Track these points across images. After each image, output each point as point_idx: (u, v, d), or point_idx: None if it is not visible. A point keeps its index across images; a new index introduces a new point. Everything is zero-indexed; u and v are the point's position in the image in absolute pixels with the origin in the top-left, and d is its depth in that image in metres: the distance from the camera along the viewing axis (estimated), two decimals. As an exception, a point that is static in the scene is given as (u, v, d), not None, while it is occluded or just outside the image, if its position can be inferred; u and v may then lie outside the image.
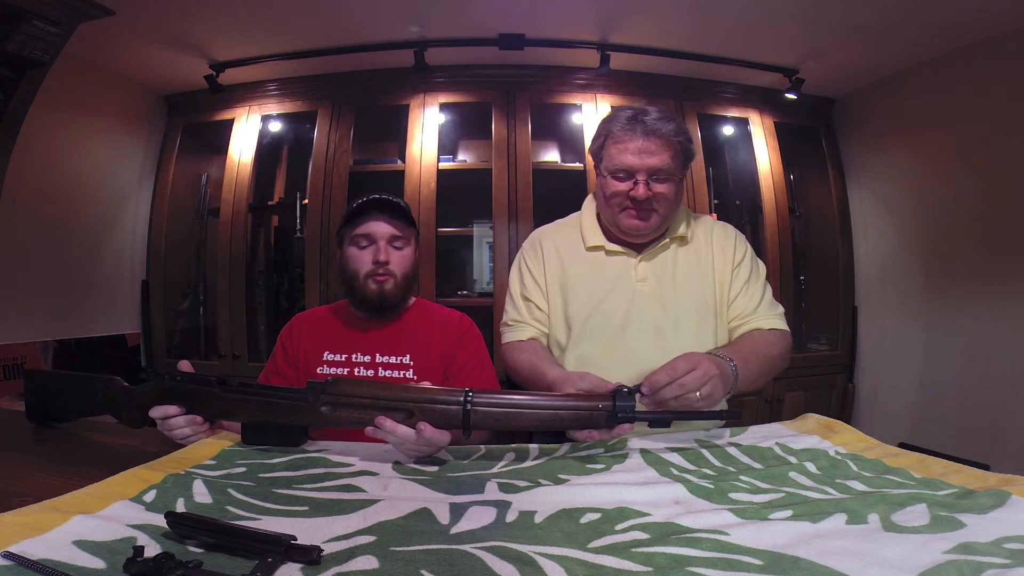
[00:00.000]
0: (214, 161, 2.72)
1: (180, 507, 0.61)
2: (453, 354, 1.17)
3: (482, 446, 0.89)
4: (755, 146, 2.59)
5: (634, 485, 0.70)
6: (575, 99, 2.50)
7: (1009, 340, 2.01)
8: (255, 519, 0.59)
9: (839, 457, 0.78)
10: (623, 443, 0.86)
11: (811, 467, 0.75)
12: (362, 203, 1.14)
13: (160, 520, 0.55)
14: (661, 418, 0.80)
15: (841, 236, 2.65)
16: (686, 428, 0.97)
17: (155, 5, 1.87)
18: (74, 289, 2.29)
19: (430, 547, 0.53)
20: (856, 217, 2.67)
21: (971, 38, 2.05)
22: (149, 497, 0.62)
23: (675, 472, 0.75)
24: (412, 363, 1.14)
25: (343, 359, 1.14)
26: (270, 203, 2.65)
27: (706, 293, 1.15)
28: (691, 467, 0.77)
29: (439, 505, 0.63)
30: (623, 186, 1.08)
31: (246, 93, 2.53)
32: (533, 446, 0.87)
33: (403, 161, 2.44)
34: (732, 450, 0.84)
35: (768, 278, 1.20)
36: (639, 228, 1.11)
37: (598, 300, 1.13)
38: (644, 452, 0.83)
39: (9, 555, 0.47)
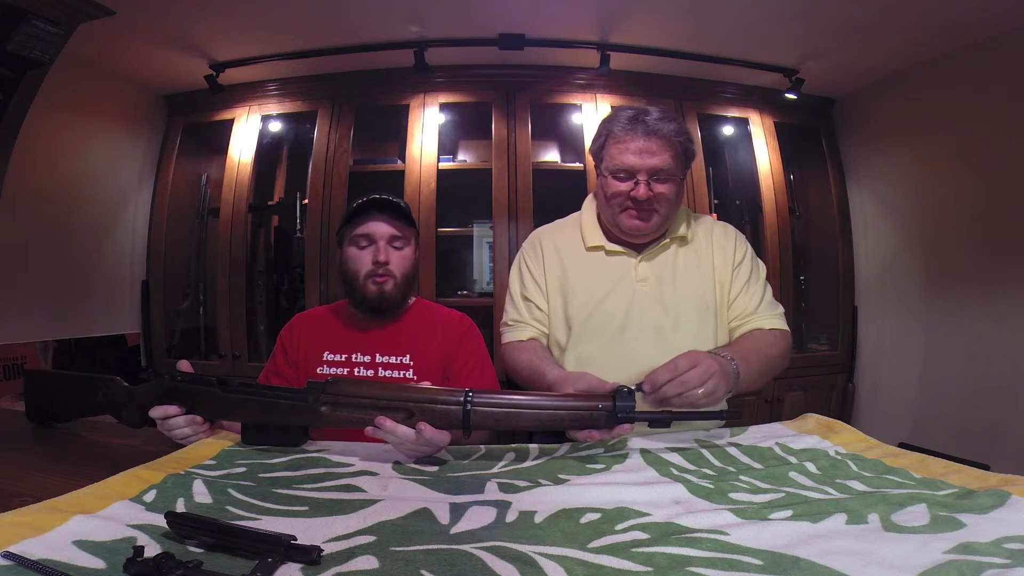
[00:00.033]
0: (214, 161, 2.72)
1: (180, 507, 0.61)
2: (453, 354, 1.17)
3: (482, 446, 0.89)
4: (755, 146, 2.59)
5: (634, 485, 0.70)
6: (575, 99, 2.50)
7: (1009, 340, 2.01)
8: (255, 519, 0.59)
9: (839, 457, 0.78)
10: (623, 443, 0.86)
11: (811, 467, 0.75)
12: (362, 203, 1.14)
13: (160, 520, 0.55)
14: (661, 418, 0.80)
15: (841, 236, 2.65)
16: (686, 428, 0.97)
17: (155, 5, 1.87)
18: (74, 289, 2.29)
19: (430, 547, 0.53)
20: (856, 217, 2.67)
21: (971, 38, 2.05)
22: (149, 497, 0.62)
23: (675, 472, 0.75)
24: (412, 363, 1.14)
25: (343, 359, 1.14)
26: (270, 203, 2.65)
27: (706, 293, 1.15)
28: (691, 467, 0.77)
29: (439, 505, 0.63)
30: (624, 186, 1.08)
31: (246, 93, 2.53)
32: (533, 446, 0.87)
33: (403, 161, 2.44)
34: (732, 450, 0.84)
35: (768, 278, 1.20)
36: (640, 228, 1.11)
37: (598, 300, 1.13)
38: (644, 452, 0.83)
39: (9, 555, 0.47)
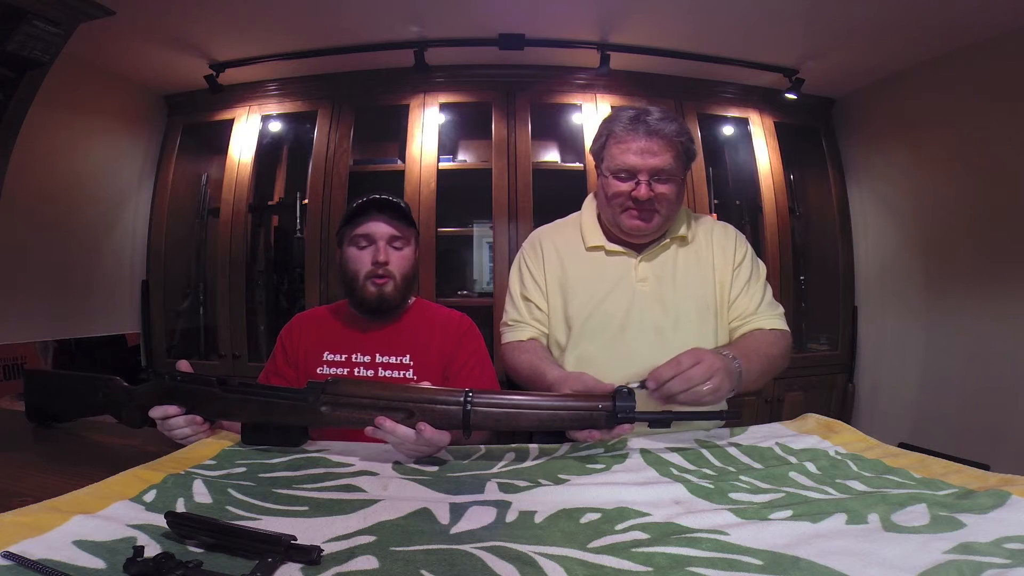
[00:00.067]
0: (214, 161, 2.72)
1: (180, 507, 0.61)
2: (453, 354, 1.17)
3: (482, 446, 0.89)
4: (755, 146, 2.59)
5: (634, 485, 0.70)
6: (575, 99, 2.50)
7: (1009, 340, 2.01)
8: (255, 519, 0.59)
9: (839, 457, 0.78)
10: (623, 443, 0.86)
11: (811, 467, 0.75)
12: (362, 203, 1.14)
13: (160, 520, 0.55)
14: (661, 418, 0.80)
15: (841, 236, 2.65)
16: (686, 428, 0.97)
17: (155, 5, 1.87)
18: (74, 289, 2.29)
19: (430, 547, 0.53)
20: (856, 217, 2.67)
21: (971, 38, 2.05)
22: (149, 497, 0.62)
23: (675, 472, 0.75)
24: (412, 363, 1.14)
25: (343, 359, 1.14)
26: (270, 203, 2.65)
27: (706, 293, 1.14)
28: (691, 467, 0.77)
29: (439, 505, 0.63)
30: (625, 186, 1.08)
31: (246, 93, 2.53)
32: (533, 446, 0.87)
33: (403, 161, 2.44)
34: (732, 450, 0.84)
35: (768, 278, 1.20)
36: (641, 229, 1.11)
37: (598, 300, 1.13)
38: (644, 452, 0.83)
39: (9, 555, 0.47)
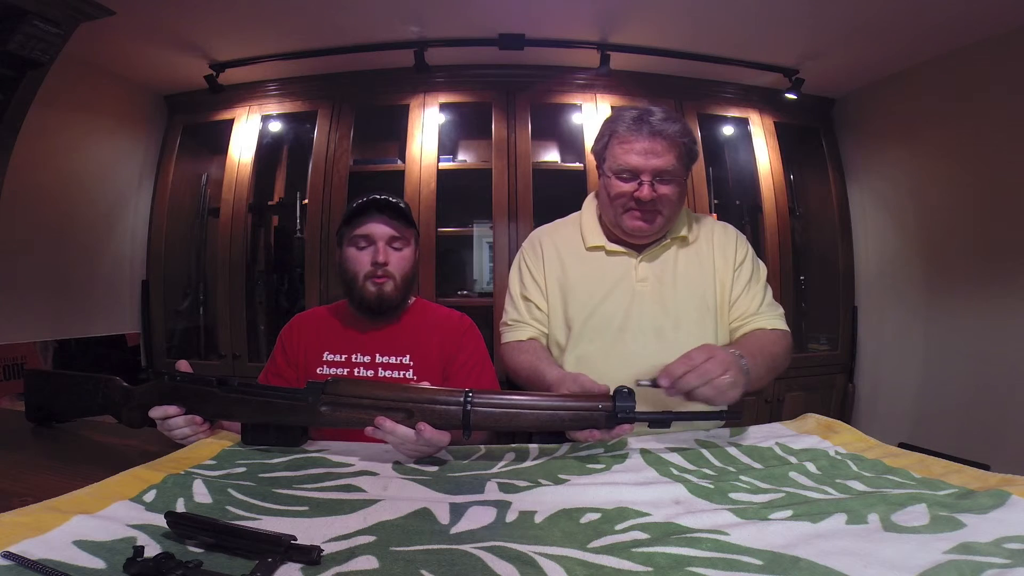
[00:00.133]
0: (214, 161, 2.72)
1: (180, 507, 0.61)
2: (453, 354, 1.17)
3: (482, 446, 0.89)
4: (755, 146, 2.59)
5: (634, 485, 0.70)
6: (575, 99, 2.50)
7: (1009, 340, 2.01)
8: (255, 519, 0.59)
9: (839, 457, 0.78)
10: (623, 443, 0.86)
11: (811, 467, 0.75)
12: (361, 203, 1.14)
13: (160, 520, 0.55)
14: (661, 418, 0.80)
15: (841, 236, 2.65)
16: (686, 428, 0.97)
17: (155, 5, 1.87)
18: (74, 289, 2.29)
19: (430, 547, 0.53)
20: (856, 217, 2.67)
21: (971, 38, 2.05)
22: (149, 497, 0.62)
23: (675, 472, 0.75)
24: (412, 363, 1.14)
25: (343, 359, 1.14)
26: (270, 203, 2.65)
27: (707, 294, 1.14)
28: (691, 467, 0.77)
29: (439, 505, 0.63)
30: (627, 187, 1.08)
31: (246, 93, 2.53)
32: (533, 446, 0.87)
33: (403, 161, 2.44)
34: (732, 450, 0.84)
35: (768, 278, 1.20)
36: (643, 230, 1.11)
37: (598, 300, 1.13)
38: (644, 452, 0.83)
39: (9, 555, 0.47)
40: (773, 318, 1.14)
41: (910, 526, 0.55)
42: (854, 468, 0.75)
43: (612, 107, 2.44)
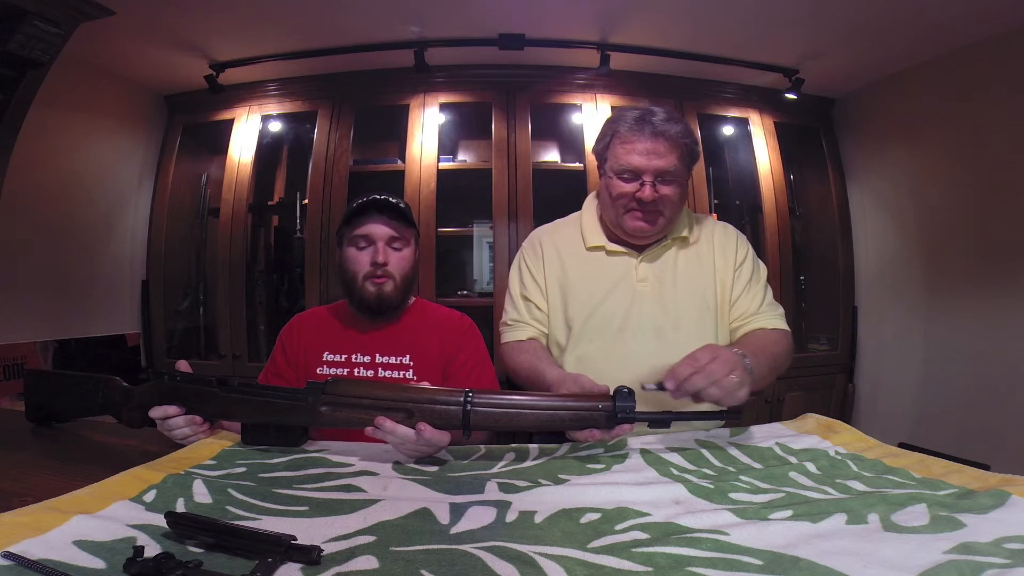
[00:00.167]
0: (214, 161, 2.72)
1: (180, 507, 0.61)
2: (453, 354, 1.17)
3: (482, 446, 0.89)
4: (755, 146, 2.59)
5: (634, 485, 0.70)
6: (575, 99, 2.50)
7: (1009, 340, 2.01)
8: (255, 519, 0.59)
9: (839, 457, 0.78)
10: (623, 443, 0.86)
11: (811, 467, 0.75)
12: (361, 203, 1.14)
13: (160, 520, 0.55)
14: (661, 418, 0.80)
15: (841, 236, 2.65)
16: (686, 428, 0.97)
17: (155, 5, 1.87)
18: (74, 289, 2.29)
19: (430, 547, 0.53)
20: (856, 217, 2.67)
21: (971, 38, 2.05)
22: (149, 497, 0.62)
23: (675, 472, 0.75)
24: (412, 363, 1.14)
25: (343, 359, 1.14)
26: (270, 203, 2.65)
27: (707, 294, 1.14)
28: (691, 467, 0.77)
29: (439, 505, 0.63)
30: (629, 187, 1.08)
31: (246, 93, 2.53)
32: (533, 446, 0.87)
33: (403, 161, 2.44)
34: (732, 450, 0.84)
35: (768, 278, 1.20)
36: (644, 230, 1.10)
37: (598, 300, 1.13)
38: (644, 452, 0.83)
39: (9, 555, 0.47)
40: (773, 318, 1.14)
41: (910, 526, 0.55)
42: (854, 468, 0.75)
43: (612, 107, 2.44)
